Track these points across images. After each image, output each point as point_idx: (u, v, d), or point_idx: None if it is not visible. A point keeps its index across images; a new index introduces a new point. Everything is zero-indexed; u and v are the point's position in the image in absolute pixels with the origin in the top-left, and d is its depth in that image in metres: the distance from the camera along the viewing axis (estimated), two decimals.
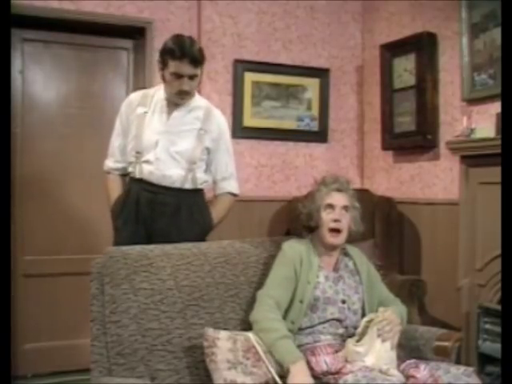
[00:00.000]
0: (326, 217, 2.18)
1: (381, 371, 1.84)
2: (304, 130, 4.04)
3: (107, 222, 2.52)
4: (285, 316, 2.06)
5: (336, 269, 2.21)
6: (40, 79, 3.58)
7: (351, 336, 2.05)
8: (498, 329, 2.70)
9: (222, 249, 2.29)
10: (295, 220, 2.35)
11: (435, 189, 3.55)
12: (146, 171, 2.41)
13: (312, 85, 4.05)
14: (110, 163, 2.57)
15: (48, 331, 3.52)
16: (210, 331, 1.95)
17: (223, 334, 1.95)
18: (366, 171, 4.19)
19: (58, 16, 3.43)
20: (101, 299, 1.98)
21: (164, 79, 2.41)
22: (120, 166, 2.54)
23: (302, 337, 2.07)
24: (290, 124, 4.00)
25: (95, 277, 2.01)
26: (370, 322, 2.02)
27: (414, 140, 3.64)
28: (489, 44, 3.09)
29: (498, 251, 2.62)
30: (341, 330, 2.09)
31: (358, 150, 4.21)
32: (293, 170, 4.01)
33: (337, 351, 1.99)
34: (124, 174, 2.56)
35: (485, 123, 3.04)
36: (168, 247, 2.18)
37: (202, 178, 2.49)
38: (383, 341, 1.96)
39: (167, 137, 2.41)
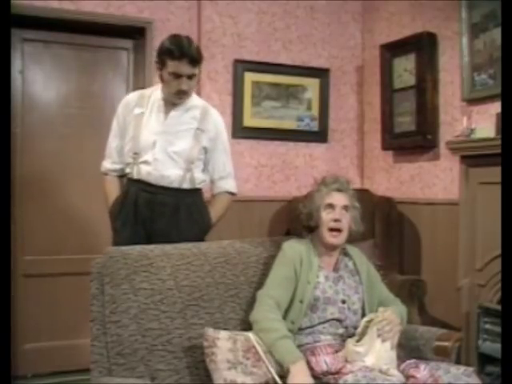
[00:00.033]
0: (326, 217, 2.18)
1: (381, 371, 1.84)
2: (304, 130, 4.04)
3: (107, 222, 2.52)
4: (285, 316, 2.06)
5: (336, 269, 2.21)
6: (40, 79, 3.58)
7: (351, 336, 2.05)
8: (498, 329, 2.70)
9: (222, 249, 2.29)
10: (295, 220, 2.36)
11: (435, 189, 3.55)
12: (143, 172, 2.40)
13: (312, 85, 4.05)
14: (107, 164, 2.57)
15: (48, 331, 3.52)
16: (210, 331, 1.95)
17: (223, 333, 1.95)
18: (366, 171, 4.19)
19: (58, 16, 3.43)
20: (101, 299, 1.99)
21: (162, 79, 2.41)
22: (117, 167, 2.54)
23: (301, 337, 2.07)
24: (289, 124, 4.00)
25: (95, 277, 2.01)
26: (369, 321, 2.02)
27: (413, 140, 3.64)
28: (489, 44, 3.09)
29: (498, 251, 2.62)
30: (341, 330, 2.09)
31: (358, 149, 4.21)
32: (293, 170, 4.01)
33: (337, 351, 1.99)
34: (121, 176, 2.56)
35: (485, 123, 3.04)
36: (168, 247, 2.18)
37: (200, 178, 2.50)
38: (383, 341, 1.96)
39: (165, 137, 2.41)
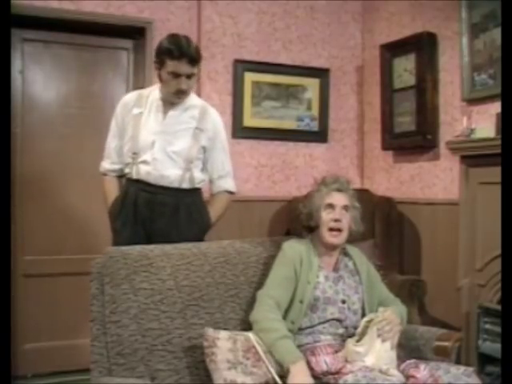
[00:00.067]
0: (326, 216, 2.18)
1: (381, 371, 1.84)
2: (304, 130, 4.04)
3: (107, 222, 2.52)
4: (285, 316, 2.06)
5: (336, 269, 2.21)
6: (40, 79, 3.57)
7: (351, 336, 2.05)
8: (498, 329, 2.70)
9: (222, 249, 2.29)
10: (295, 220, 2.36)
11: (435, 189, 3.55)
12: (143, 172, 2.40)
13: (312, 85, 4.05)
14: (106, 165, 2.57)
15: (48, 331, 3.52)
16: (210, 331, 1.95)
17: (223, 333, 1.95)
18: (366, 171, 4.19)
19: (58, 16, 3.43)
20: (101, 299, 1.98)
21: (161, 79, 2.41)
22: (117, 167, 2.54)
23: (301, 337, 2.07)
24: (289, 124, 4.00)
25: (95, 277, 2.01)
26: (369, 322, 2.02)
27: (413, 140, 3.64)
28: (489, 44, 3.09)
29: (498, 251, 2.62)
30: (341, 330, 2.09)
31: (358, 149, 4.21)
32: (293, 170, 4.01)
33: (337, 351, 1.99)
34: (120, 176, 2.55)
35: (485, 123, 3.04)
36: (168, 247, 2.18)
37: (199, 177, 2.49)
38: (383, 341, 1.96)
39: (164, 137, 2.41)
